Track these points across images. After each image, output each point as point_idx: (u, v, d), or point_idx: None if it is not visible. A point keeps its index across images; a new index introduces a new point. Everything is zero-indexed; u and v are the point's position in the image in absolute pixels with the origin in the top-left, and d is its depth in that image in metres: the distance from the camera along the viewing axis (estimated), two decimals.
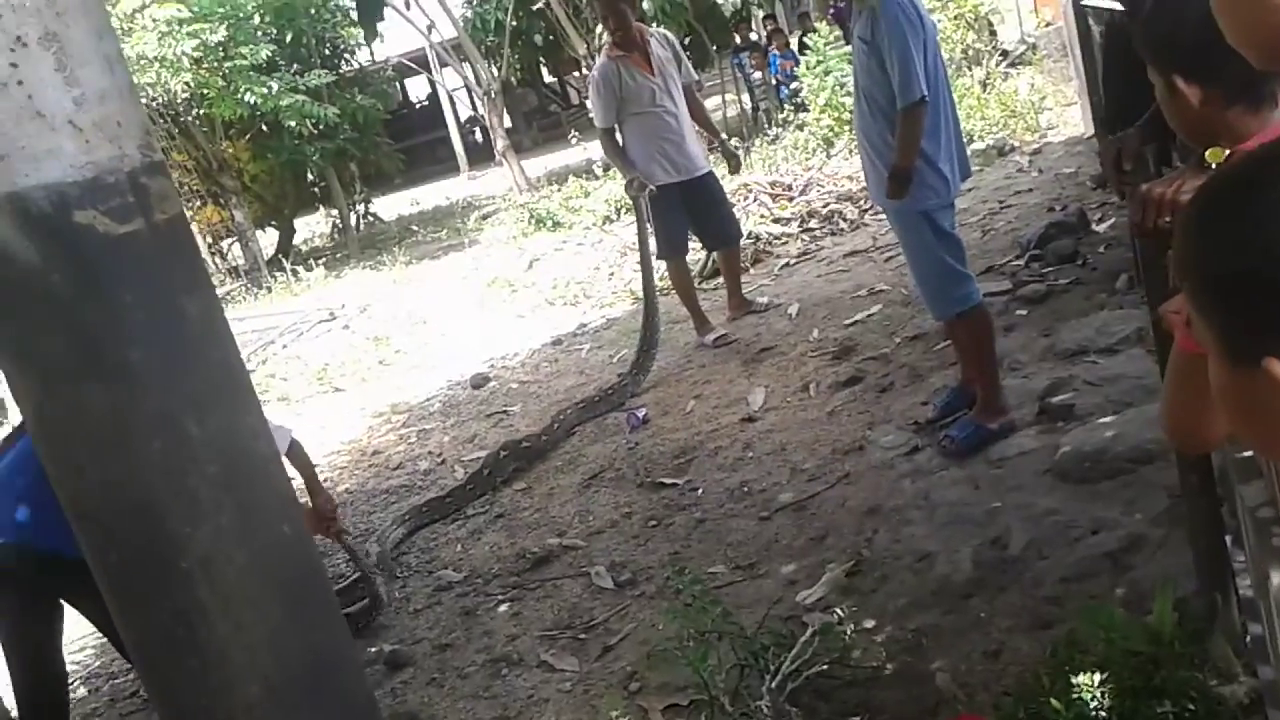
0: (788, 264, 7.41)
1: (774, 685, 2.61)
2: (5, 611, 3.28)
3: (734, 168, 6.82)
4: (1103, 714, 2.18)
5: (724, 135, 6.82)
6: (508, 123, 15.60)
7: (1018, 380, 4.27)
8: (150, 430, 0.75)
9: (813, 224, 8.05)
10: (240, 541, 0.79)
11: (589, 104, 5.98)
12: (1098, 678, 2.24)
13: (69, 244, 0.73)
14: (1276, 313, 0.81)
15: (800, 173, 9.14)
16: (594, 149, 14.13)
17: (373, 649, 3.87)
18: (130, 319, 0.75)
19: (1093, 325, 4.42)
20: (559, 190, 12.54)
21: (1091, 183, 6.66)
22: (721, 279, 6.73)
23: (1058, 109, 9.62)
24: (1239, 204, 0.83)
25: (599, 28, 11.35)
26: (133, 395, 0.75)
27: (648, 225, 5.98)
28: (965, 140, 4.55)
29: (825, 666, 2.79)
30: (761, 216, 8.25)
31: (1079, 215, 5.80)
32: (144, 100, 12.53)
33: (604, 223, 10.27)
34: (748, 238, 7.88)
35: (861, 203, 8.01)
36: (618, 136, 5.95)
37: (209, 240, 15.12)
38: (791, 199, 8.56)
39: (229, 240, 15.06)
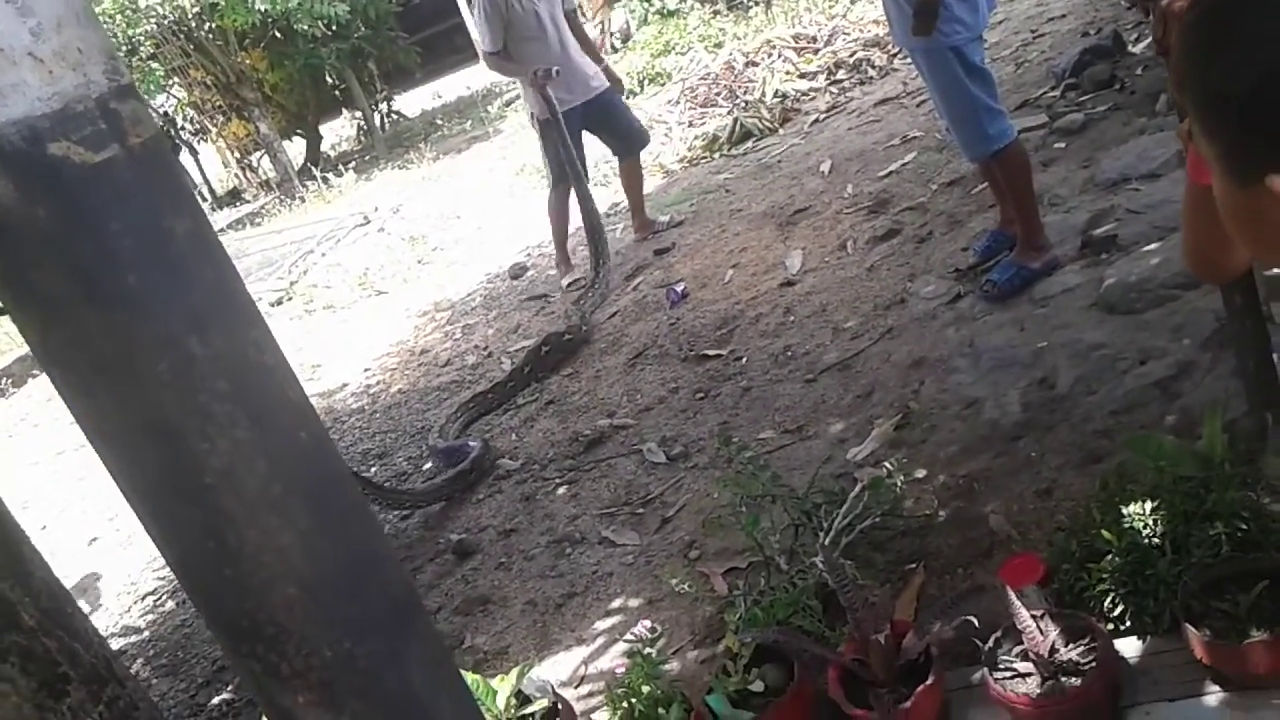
0: (817, 119, 7.25)
1: (827, 541, 2.65)
2: None
3: (618, 90, 6.66)
4: (1155, 541, 2.19)
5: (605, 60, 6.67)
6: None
7: (1059, 216, 4.18)
8: (155, 352, 0.76)
9: (840, 75, 7.84)
10: (259, 452, 0.81)
11: (473, 28, 5.81)
12: (1148, 506, 2.24)
13: (47, 177, 0.73)
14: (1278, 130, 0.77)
15: (824, 23, 8.88)
16: (612, 21, 13.80)
17: (440, 539, 3.99)
18: (119, 245, 0.75)
19: (1133, 152, 4.29)
20: None
21: (1125, 2, 6.38)
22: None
23: None
24: (1239, 20, 0.79)
25: None
26: (132, 319, 0.76)
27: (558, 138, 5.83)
28: None
29: (878, 519, 2.83)
30: (787, 74, 8.05)
31: (1114, 37, 5.58)
32: (154, 19, 12.40)
33: (627, 97, 10.07)
34: (774, 97, 7.73)
35: (889, 47, 7.77)
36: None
37: (237, 155, 15.12)
38: (816, 51, 8.33)
39: (257, 154, 15.04)
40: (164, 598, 4.73)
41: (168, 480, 0.77)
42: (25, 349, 9.39)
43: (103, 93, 0.74)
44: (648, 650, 2.54)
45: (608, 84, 6.10)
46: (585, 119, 5.94)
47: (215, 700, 3.75)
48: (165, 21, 12.73)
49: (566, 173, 5.90)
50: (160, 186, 0.76)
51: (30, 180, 0.70)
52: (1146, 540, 2.20)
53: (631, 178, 6.33)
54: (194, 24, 13.11)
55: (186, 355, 0.75)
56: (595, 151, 6.57)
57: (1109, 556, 2.23)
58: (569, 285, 6.02)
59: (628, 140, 6.21)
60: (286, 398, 0.82)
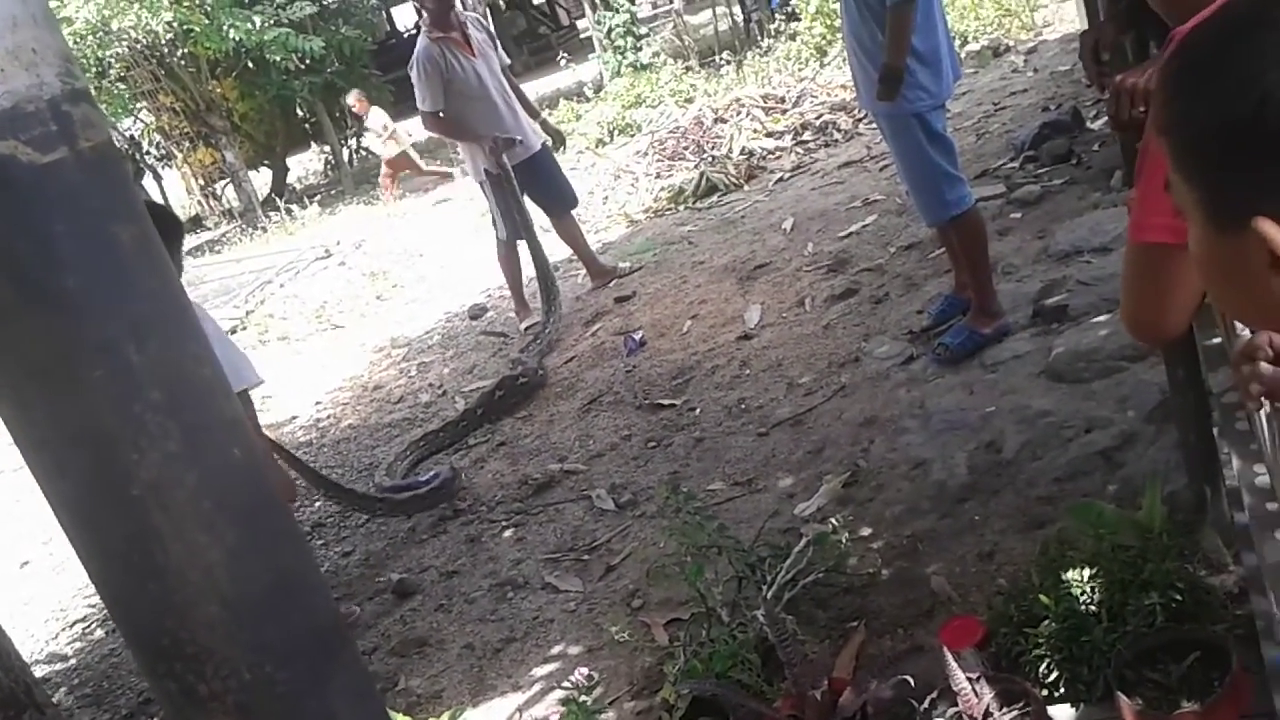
0: (781, 178, 7.34)
1: (770, 595, 2.64)
2: None
3: (558, 143, 6.74)
4: (1092, 608, 2.21)
5: (542, 114, 6.78)
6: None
7: (1012, 284, 4.26)
8: (91, 358, 0.75)
9: (806, 136, 7.96)
10: (189, 465, 0.80)
11: (415, 86, 5.75)
12: (1087, 573, 2.26)
13: None
14: (1271, 164, 0.75)
15: (793, 84, 9.02)
16: (583, 71, 13.95)
17: (380, 578, 3.93)
18: (62, 248, 0.75)
19: (1087, 225, 4.39)
20: (551, 114, 12.36)
21: (1086, 80, 6.54)
22: None
23: (1053, 5, 9.41)
24: (1232, 48, 0.77)
25: None
26: (71, 324, 0.75)
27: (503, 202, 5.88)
28: (959, 42, 4.47)
29: (821, 575, 2.83)
30: (754, 131, 8.16)
31: (1073, 113, 5.73)
32: (125, 42, 12.35)
33: (597, 145, 10.17)
34: (741, 154, 7.82)
35: (855, 112, 7.91)
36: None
37: (201, 183, 15.02)
38: (784, 111, 8.46)
39: (222, 182, 14.95)
40: (93, 625, 4.61)
41: (95, 489, 0.76)
42: None
43: (55, 94, 0.74)
44: (583, 698, 2.52)
45: (543, 140, 6.15)
46: (522, 176, 5.91)
47: None
48: (137, 45, 12.67)
49: (516, 226, 5.89)
50: (108, 191, 0.76)
51: None
52: (1084, 607, 2.22)
53: (570, 233, 6.35)
54: (166, 49, 13.07)
55: (124, 363, 0.73)
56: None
57: (1046, 622, 2.24)
58: (527, 329, 6.02)
59: (559, 200, 6.22)
60: (221, 413, 0.81)
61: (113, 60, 12.94)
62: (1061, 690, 2.20)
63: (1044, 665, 2.22)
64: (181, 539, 0.77)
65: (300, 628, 0.86)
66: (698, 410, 4.33)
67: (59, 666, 4.37)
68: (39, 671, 4.16)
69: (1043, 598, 2.25)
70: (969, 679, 2.13)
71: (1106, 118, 5.41)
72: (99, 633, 4.51)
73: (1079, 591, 2.24)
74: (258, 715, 0.83)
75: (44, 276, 0.72)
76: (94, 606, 4.75)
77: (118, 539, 0.77)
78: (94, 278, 0.73)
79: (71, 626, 4.68)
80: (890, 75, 3.59)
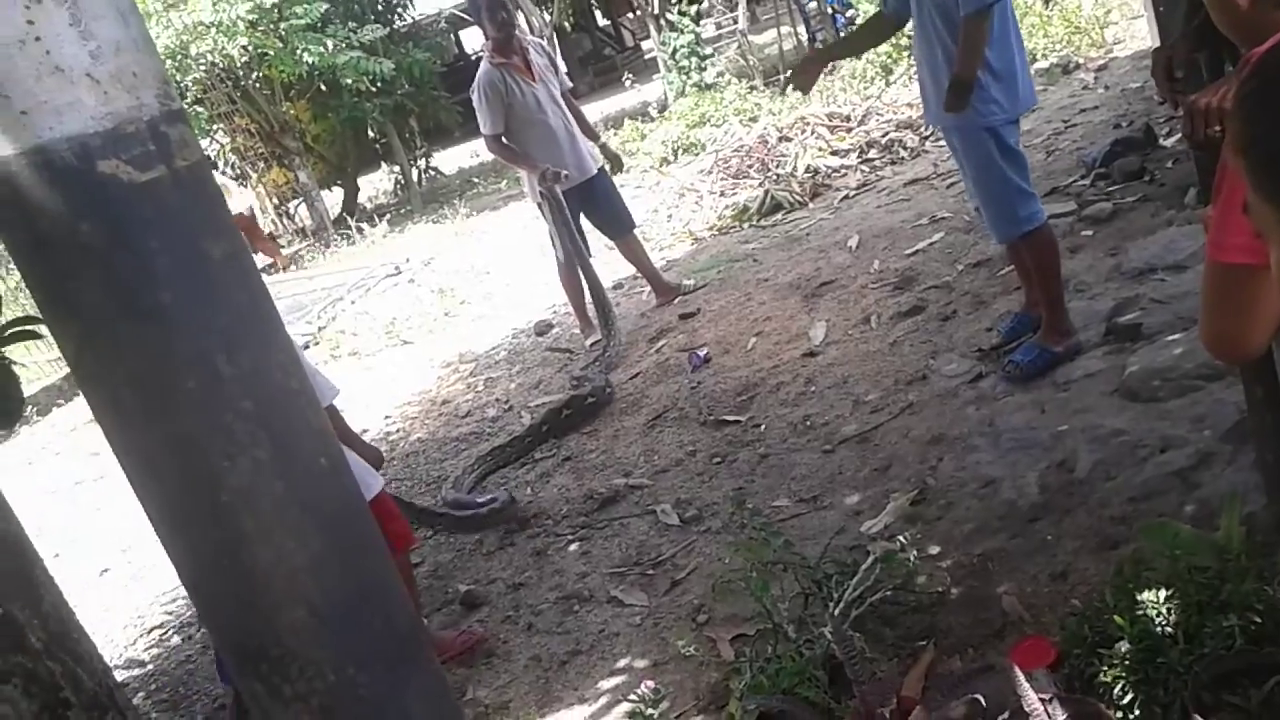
0: (847, 196, 7.31)
1: (837, 612, 2.62)
2: None
3: (617, 167, 6.78)
4: (1168, 629, 2.17)
5: (602, 138, 6.84)
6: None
7: (1084, 302, 4.19)
8: (184, 369, 0.78)
9: (872, 154, 7.92)
10: (277, 474, 0.83)
11: (476, 110, 5.88)
12: (1163, 594, 2.22)
13: (95, 193, 0.76)
14: None
15: (858, 102, 8.98)
16: (648, 91, 14.04)
17: (448, 589, 3.98)
18: (158, 263, 0.78)
19: (1160, 242, 4.31)
20: (615, 134, 12.48)
21: (1158, 97, 6.43)
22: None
23: (1124, 22, 9.28)
24: None
25: None
26: (165, 336, 0.78)
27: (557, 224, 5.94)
28: (1029, 60, 4.43)
29: (889, 593, 2.80)
30: (819, 150, 8.14)
31: (1145, 130, 5.63)
32: (203, 67, 12.69)
33: (661, 164, 10.22)
34: (805, 172, 7.81)
35: (922, 129, 7.86)
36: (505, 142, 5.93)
37: (275, 202, 15.34)
38: (850, 130, 8.42)
39: (295, 201, 15.26)
40: (170, 632, 4.72)
41: (187, 496, 0.79)
42: (50, 379, 9.51)
43: (154, 115, 0.77)
44: (650, 712, 2.52)
45: (601, 164, 6.23)
46: (581, 198, 6.02)
47: None
48: (214, 69, 13.00)
49: (570, 250, 5.98)
50: (201, 209, 0.79)
51: (78, 195, 0.73)
52: (1159, 629, 2.18)
53: (633, 252, 6.41)
54: (241, 73, 13.40)
55: (215, 374, 0.77)
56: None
57: (1121, 643, 2.20)
58: (591, 345, 6.06)
59: (615, 223, 6.29)
60: (308, 423, 0.84)
61: (190, 84, 13.30)
62: (1136, 713, 2.16)
63: (1118, 687, 2.18)
64: (269, 544, 0.80)
65: (381, 633, 0.89)
66: (763, 426, 4.32)
67: (137, 672, 4.48)
68: (118, 676, 4.26)
69: (1117, 618, 2.22)
70: (1041, 699, 2.10)
71: (1180, 135, 5.33)
72: (175, 639, 4.62)
73: (1154, 613, 2.20)
74: (340, 717, 0.86)
75: (141, 291, 0.76)
76: (171, 614, 4.86)
77: (208, 543, 0.81)
78: (187, 292, 0.77)
79: (149, 633, 4.80)
80: (959, 85, 3.56)
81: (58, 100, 0.74)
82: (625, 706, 2.84)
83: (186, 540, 0.85)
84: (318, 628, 0.84)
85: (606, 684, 3.12)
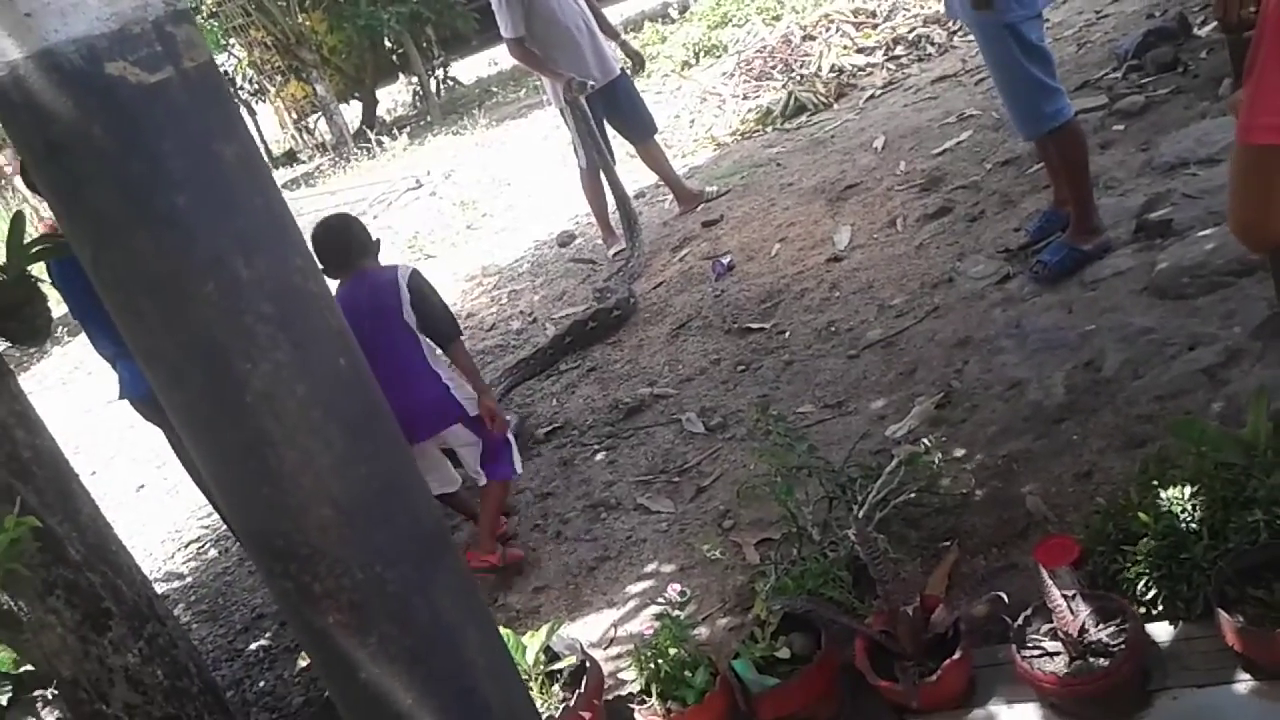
0: (872, 95, 7.17)
1: (861, 514, 2.64)
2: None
3: (639, 66, 6.64)
4: (1193, 526, 2.17)
5: (624, 36, 6.69)
6: None
7: (1114, 199, 4.12)
8: (202, 272, 0.78)
9: (898, 51, 7.74)
10: (299, 376, 0.83)
11: (496, 13, 5.75)
12: (1188, 490, 2.22)
13: (104, 96, 0.75)
14: None
15: None
16: None
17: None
18: (171, 166, 0.78)
19: (1193, 135, 4.21)
20: (635, 37, 12.24)
21: None
22: None
23: None
24: None
25: None
26: (181, 240, 0.78)
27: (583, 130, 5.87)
28: None
29: (913, 495, 2.81)
30: (844, 48, 7.97)
31: (1179, 20, 5.46)
32: None
33: (682, 68, 10.03)
34: (830, 71, 7.66)
35: (949, 25, 7.66)
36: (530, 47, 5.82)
37: (294, 116, 15.26)
38: (875, 26, 8.22)
39: (314, 116, 15.17)
40: (207, 545, 4.83)
41: (210, 398, 0.80)
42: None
43: (159, 15, 0.76)
44: (677, 614, 2.57)
45: (623, 64, 6.14)
46: (603, 102, 5.95)
47: (253, 646, 3.83)
48: None
49: (594, 157, 5.93)
50: (212, 110, 0.78)
51: (87, 99, 0.72)
52: (1184, 525, 2.18)
53: (654, 159, 6.34)
54: None
55: (233, 277, 0.77)
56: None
57: (1145, 540, 2.21)
58: (615, 255, 6.04)
59: (638, 127, 6.21)
60: (328, 324, 0.84)
61: (193, 5, 13.14)
62: (1160, 608, 2.18)
63: (1142, 583, 2.20)
64: (293, 445, 0.81)
65: (406, 530, 0.90)
66: (787, 333, 4.31)
67: (176, 584, 4.60)
68: (158, 589, 4.39)
69: (1141, 515, 2.22)
70: (1065, 596, 2.12)
71: (1215, 21, 5.17)
72: (212, 552, 4.73)
73: (1179, 509, 2.20)
74: (369, 613, 0.88)
75: (155, 195, 0.75)
76: (207, 528, 4.97)
77: (233, 445, 0.82)
78: (202, 195, 0.77)
79: (186, 547, 4.91)
80: None
81: (62, 1, 0.73)
82: (653, 609, 2.90)
83: (211, 444, 0.86)
84: (344, 526, 0.85)
85: (634, 588, 3.18)
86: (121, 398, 3.80)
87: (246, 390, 0.81)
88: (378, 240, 3.67)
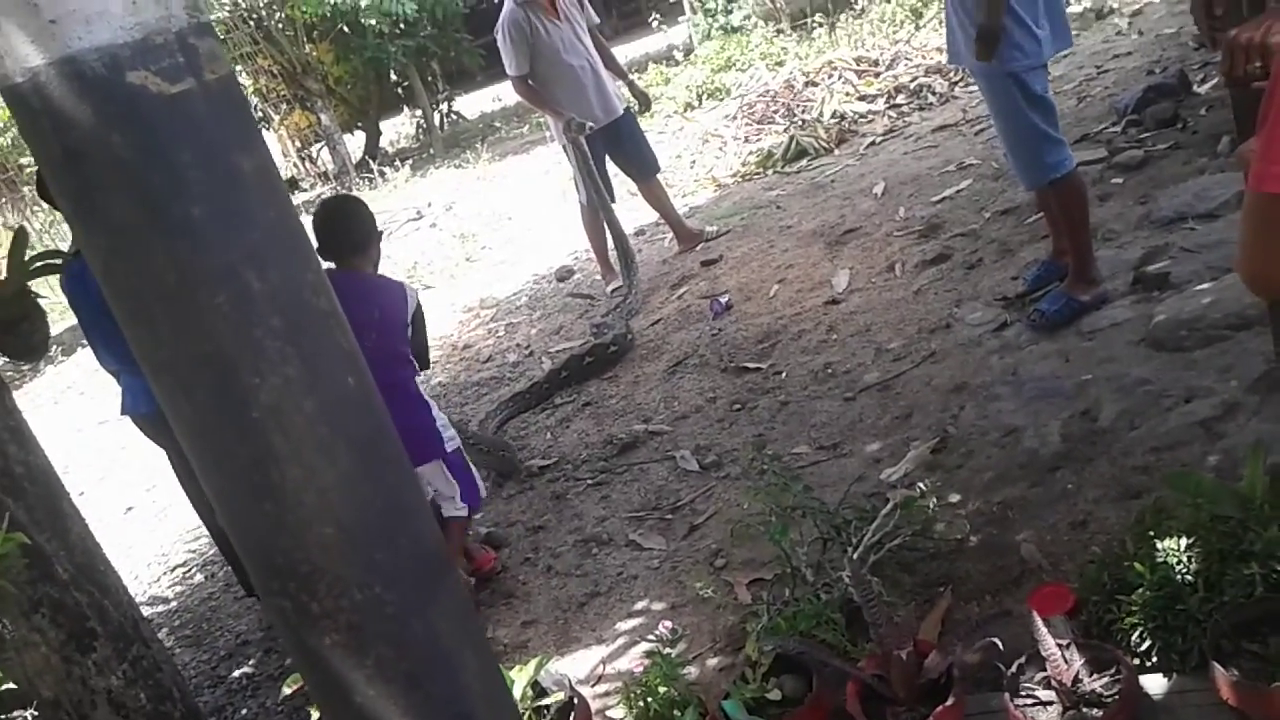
0: (873, 142, 7.23)
1: (855, 556, 2.63)
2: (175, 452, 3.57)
3: (644, 106, 6.72)
4: (1189, 577, 2.16)
5: (631, 76, 6.76)
6: (595, 19, 15.37)
7: (1112, 250, 4.14)
8: (214, 283, 0.78)
9: (900, 99, 7.82)
10: (307, 391, 0.83)
11: (501, 51, 5.81)
12: (1184, 542, 2.21)
13: (124, 105, 0.75)
14: None
15: (887, 46, 8.86)
16: (674, 34, 13.87)
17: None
18: (188, 176, 0.77)
19: (1192, 190, 4.25)
20: (639, 78, 12.35)
21: (1194, 43, 6.32)
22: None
23: None
24: None
25: None
26: (195, 250, 0.78)
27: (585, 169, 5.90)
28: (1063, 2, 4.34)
29: (908, 539, 2.80)
30: (846, 95, 8.04)
31: (1179, 77, 5.53)
32: (226, 6, 12.62)
33: (685, 109, 10.12)
34: (832, 117, 7.72)
35: (951, 75, 7.75)
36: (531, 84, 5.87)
37: (297, 145, 15.31)
38: (878, 75, 8.31)
39: (317, 145, 15.23)
40: (193, 570, 4.79)
41: (217, 411, 0.79)
42: (75, 319, 9.56)
43: (182, 27, 0.76)
44: (667, 651, 2.54)
45: (627, 104, 6.17)
46: (606, 140, 5.98)
47: (236, 673, 3.79)
48: (237, 8, 12.93)
49: (594, 195, 5.95)
50: (231, 122, 0.79)
51: (108, 107, 0.72)
52: (1179, 576, 2.18)
53: (656, 197, 6.36)
54: (264, 13, 13.32)
55: (245, 289, 0.77)
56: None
57: (1140, 590, 2.20)
58: (613, 291, 6.05)
59: (640, 166, 6.24)
60: (337, 342, 0.84)
61: (213, 23, 13.26)
62: (1154, 659, 2.16)
63: (1136, 634, 2.18)
64: (299, 462, 0.81)
65: (407, 552, 0.89)
66: (783, 374, 4.31)
67: (161, 608, 4.55)
68: (143, 612, 4.34)
69: (1137, 565, 2.21)
70: (1059, 645, 2.11)
71: (1217, 78, 5.23)
72: (199, 577, 4.69)
73: (1175, 560, 2.19)
74: (367, 634, 0.86)
75: (171, 204, 0.75)
76: (194, 552, 4.93)
77: (238, 460, 0.81)
78: (218, 206, 0.76)
79: (172, 571, 4.87)
80: (985, 34, 3.51)
81: (86, 9, 0.73)
82: (643, 647, 2.87)
83: (216, 457, 0.85)
84: (345, 545, 0.85)
85: (624, 625, 3.15)
86: (123, 414, 3.76)
87: (254, 405, 0.81)
88: (381, 232, 3.47)
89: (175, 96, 0.77)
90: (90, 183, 0.76)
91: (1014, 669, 2.21)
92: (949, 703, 2.19)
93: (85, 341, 9.33)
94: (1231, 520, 2.23)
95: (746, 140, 8.12)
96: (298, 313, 0.83)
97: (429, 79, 15.80)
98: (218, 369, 0.80)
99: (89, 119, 0.74)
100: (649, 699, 2.48)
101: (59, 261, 2.87)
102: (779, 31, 11.61)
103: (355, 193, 12.96)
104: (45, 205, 12.89)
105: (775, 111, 8.27)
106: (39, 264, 2.62)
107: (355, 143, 15.90)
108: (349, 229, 3.32)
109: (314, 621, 0.87)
